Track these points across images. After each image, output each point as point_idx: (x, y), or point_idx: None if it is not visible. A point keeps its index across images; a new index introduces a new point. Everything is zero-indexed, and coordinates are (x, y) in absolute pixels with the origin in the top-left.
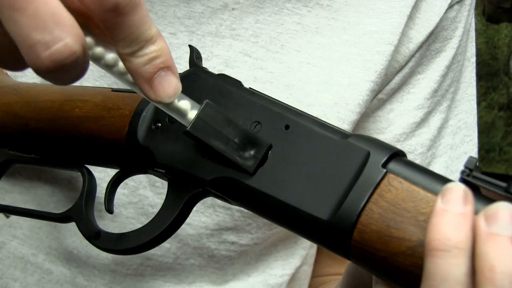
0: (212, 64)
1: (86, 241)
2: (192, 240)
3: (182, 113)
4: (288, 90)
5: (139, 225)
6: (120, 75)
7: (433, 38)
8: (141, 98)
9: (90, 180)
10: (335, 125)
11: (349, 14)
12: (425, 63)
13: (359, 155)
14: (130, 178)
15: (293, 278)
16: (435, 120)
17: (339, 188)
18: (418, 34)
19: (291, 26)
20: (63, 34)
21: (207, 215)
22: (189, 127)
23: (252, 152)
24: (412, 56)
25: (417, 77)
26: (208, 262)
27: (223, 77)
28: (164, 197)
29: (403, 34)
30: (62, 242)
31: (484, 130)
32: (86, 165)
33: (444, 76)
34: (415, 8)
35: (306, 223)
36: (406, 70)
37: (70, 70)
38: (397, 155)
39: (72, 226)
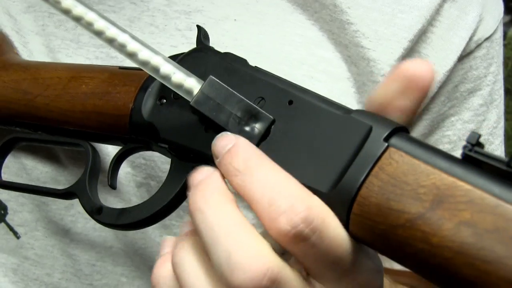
0: None
1: (103, 254)
2: None
3: (186, 89)
4: None
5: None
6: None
7: (460, 79)
8: (147, 75)
9: (94, 157)
10: None
11: (349, 33)
12: (457, 104)
13: (361, 130)
14: (153, 178)
15: None
16: None
17: (340, 161)
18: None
19: (294, 38)
20: None
21: None
22: (192, 101)
23: (254, 127)
24: (433, 97)
25: (451, 119)
26: None
27: (228, 55)
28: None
29: None
30: (78, 259)
31: None
32: (91, 142)
33: (483, 114)
34: (426, 43)
35: None
36: (433, 114)
37: None
38: (399, 130)
39: (87, 240)
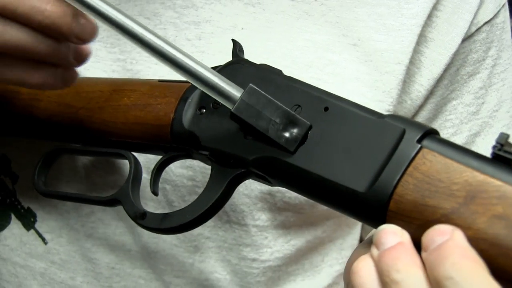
0: None
1: (122, 257)
2: (212, 252)
3: (228, 97)
4: None
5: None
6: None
7: (461, 62)
8: (186, 86)
9: (136, 165)
10: None
11: (359, 30)
12: (458, 88)
13: (395, 133)
14: (168, 182)
15: None
16: (486, 143)
17: (376, 162)
18: (440, 56)
19: (301, 43)
20: None
21: (224, 229)
22: (233, 109)
23: (293, 132)
24: (439, 80)
25: (452, 103)
26: (232, 277)
27: (264, 66)
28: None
29: (425, 56)
30: (99, 263)
31: None
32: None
33: (482, 97)
34: (431, 27)
35: (345, 197)
36: (437, 98)
37: None
38: (431, 133)
39: (107, 245)
